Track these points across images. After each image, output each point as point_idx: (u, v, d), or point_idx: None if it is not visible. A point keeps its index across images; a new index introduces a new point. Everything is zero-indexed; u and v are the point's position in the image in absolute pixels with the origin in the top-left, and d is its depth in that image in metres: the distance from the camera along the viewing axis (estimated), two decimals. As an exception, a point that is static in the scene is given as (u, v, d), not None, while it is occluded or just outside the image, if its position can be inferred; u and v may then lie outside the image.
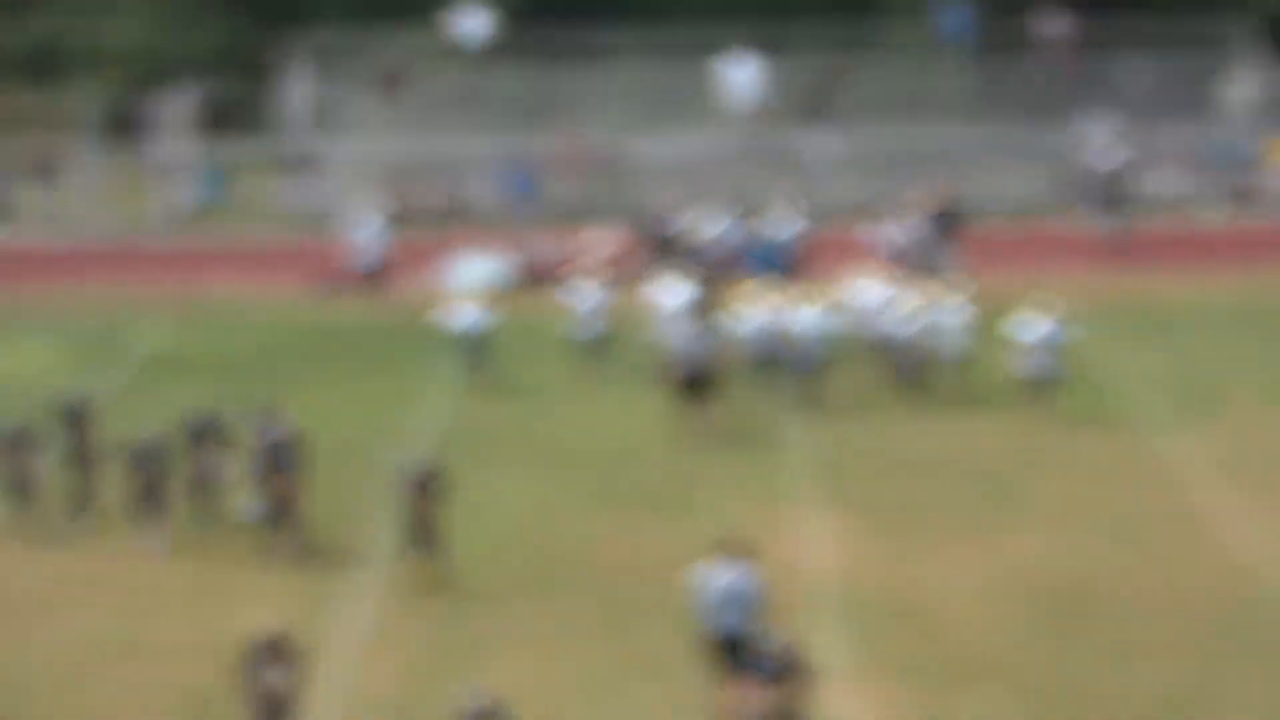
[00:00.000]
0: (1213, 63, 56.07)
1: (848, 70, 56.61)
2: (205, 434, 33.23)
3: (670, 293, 41.32)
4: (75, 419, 34.06)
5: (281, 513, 31.99)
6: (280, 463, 31.99)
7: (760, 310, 40.03)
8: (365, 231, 48.35)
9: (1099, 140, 53.29)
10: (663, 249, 47.74)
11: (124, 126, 56.80)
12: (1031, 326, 38.21)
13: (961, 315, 39.69)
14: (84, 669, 28.31)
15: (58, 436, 33.95)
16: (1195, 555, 31.31)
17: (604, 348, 41.36)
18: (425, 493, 30.64)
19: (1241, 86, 55.96)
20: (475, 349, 40.82)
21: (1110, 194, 51.22)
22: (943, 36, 58.15)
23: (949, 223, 48.16)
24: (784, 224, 48.42)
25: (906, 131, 54.49)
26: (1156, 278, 47.77)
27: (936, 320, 39.65)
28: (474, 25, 58.07)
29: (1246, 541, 31.74)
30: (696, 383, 37.22)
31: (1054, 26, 57.33)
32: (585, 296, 42.01)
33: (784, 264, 46.66)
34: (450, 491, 31.01)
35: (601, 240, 49.59)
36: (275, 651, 25.12)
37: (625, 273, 46.51)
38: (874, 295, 40.55)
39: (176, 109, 57.39)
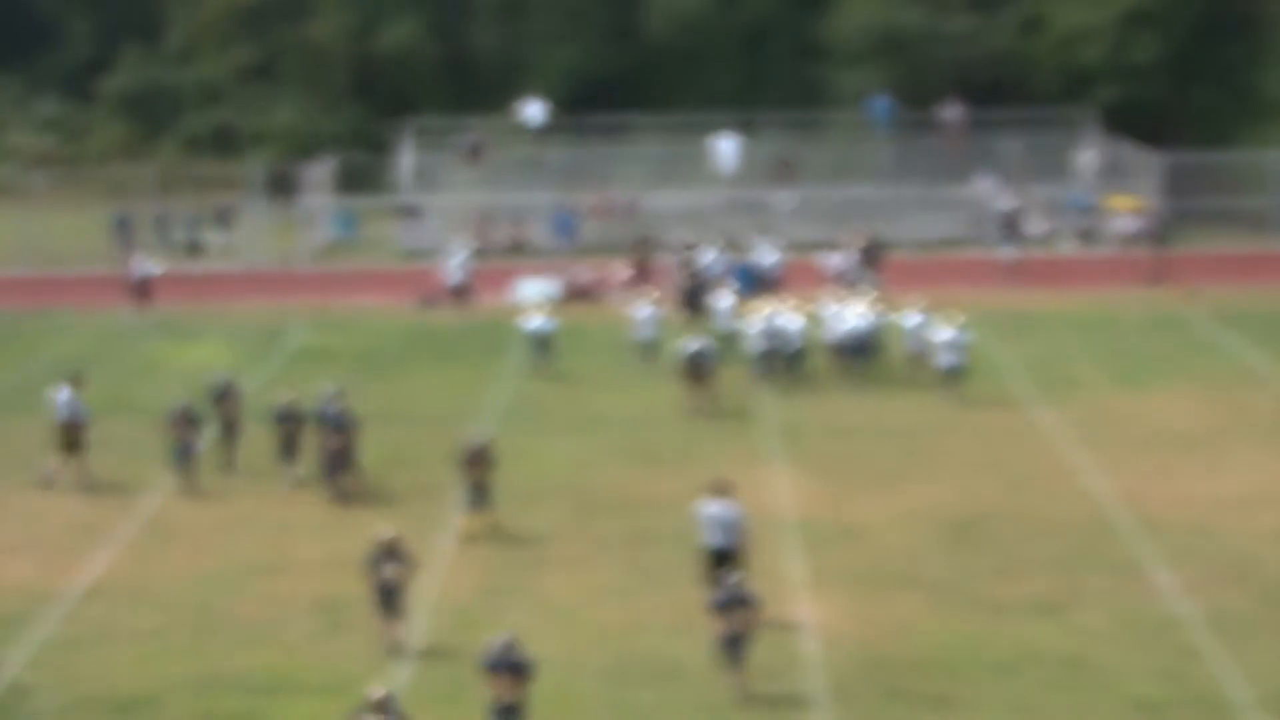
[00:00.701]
0: (1065, 138, 56.07)
1: (803, 145, 56.44)
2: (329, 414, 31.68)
3: (721, 299, 41.30)
4: (221, 397, 32.99)
5: (339, 464, 30.83)
6: (340, 428, 30.87)
7: (761, 317, 38.86)
8: (454, 261, 47.76)
9: (994, 188, 52.69)
10: (682, 273, 46.72)
11: (281, 185, 56.62)
12: (943, 330, 37.29)
13: (917, 322, 38.62)
14: (239, 584, 27.40)
15: (210, 411, 32.96)
16: (1059, 495, 30.60)
17: (655, 348, 40.24)
18: (480, 461, 29.28)
19: (1086, 155, 55.76)
20: (541, 346, 40.02)
21: (1009, 227, 50.47)
22: (871, 120, 58.06)
23: (873, 254, 47.58)
24: (766, 255, 47.88)
25: (846, 189, 54.12)
26: (1029, 294, 47.07)
27: (884, 324, 39.01)
28: (533, 112, 58.48)
29: (1096, 485, 31.03)
30: (698, 372, 36.34)
31: (951, 112, 57.13)
32: (641, 308, 41.15)
33: (768, 284, 46.04)
34: (498, 460, 29.55)
35: (622, 268, 49.06)
36: (391, 551, 24.35)
37: (645, 292, 45.59)
38: (832, 307, 39.73)
39: (319, 172, 57.54)
